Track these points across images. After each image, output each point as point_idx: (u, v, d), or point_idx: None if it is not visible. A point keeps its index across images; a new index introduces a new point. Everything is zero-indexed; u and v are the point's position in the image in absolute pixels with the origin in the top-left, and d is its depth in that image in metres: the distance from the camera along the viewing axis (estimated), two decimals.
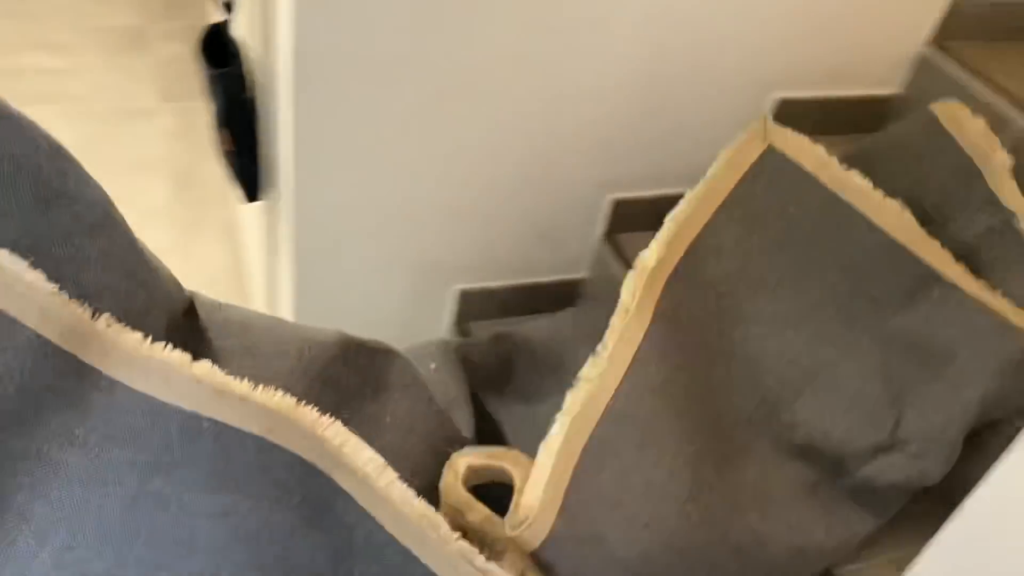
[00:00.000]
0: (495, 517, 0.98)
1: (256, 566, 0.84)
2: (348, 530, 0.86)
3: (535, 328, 1.30)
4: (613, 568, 0.97)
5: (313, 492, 0.85)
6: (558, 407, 0.99)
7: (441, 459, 1.04)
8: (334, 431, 0.85)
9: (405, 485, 0.86)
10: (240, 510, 0.84)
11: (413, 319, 1.45)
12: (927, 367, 1.06)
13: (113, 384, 0.78)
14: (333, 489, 0.85)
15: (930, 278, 1.07)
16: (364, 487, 0.85)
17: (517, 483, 0.96)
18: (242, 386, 0.83)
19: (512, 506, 0.95)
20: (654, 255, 1.03)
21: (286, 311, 1.41)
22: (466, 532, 0.93)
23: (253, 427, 0.83)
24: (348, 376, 1.00)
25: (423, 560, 0.87)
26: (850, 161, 1.19)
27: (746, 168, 1.09)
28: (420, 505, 0.86)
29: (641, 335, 1.00)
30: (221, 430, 0.82)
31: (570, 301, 1.50)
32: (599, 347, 0.99)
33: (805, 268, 1.09)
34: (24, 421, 0.74)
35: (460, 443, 1.10)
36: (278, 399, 0.84)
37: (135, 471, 0.80)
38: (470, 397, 1.20)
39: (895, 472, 1.05)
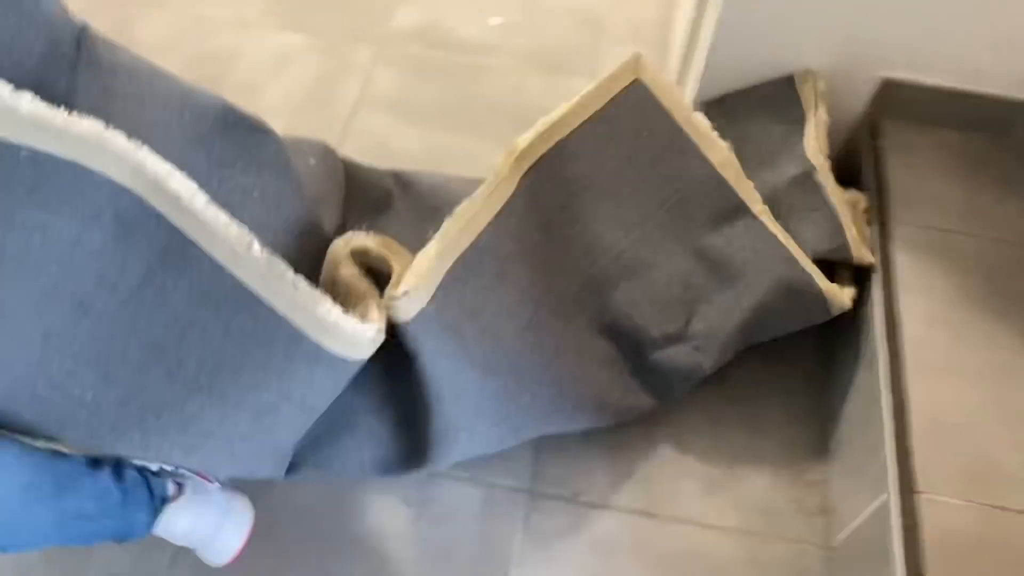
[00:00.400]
0: (366, 279, 1.16)
1: (66, 278, 0.95)
2: (162, 246, 0.96)
3: (428, 176, 1.47)
4: (461, 360, 1.17)
5: (124, 211, 0.94)
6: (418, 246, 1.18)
7: (302, 245, 1.19)
8: (152, 162, 0.93)
9: (222, 212, 0.97)
10: (52, 226, 0.92)
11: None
12: (721, 280, 1.33)
13: None
14: (145, 209, 0.94)
15: (740, 210, 1.33)
16: (180, 210, 0.95)
17: (397, 268, 1.14)
18: (59, 116, 0.90)
19: (392, 281, 1.13)
20: (526, 140, 1.24)
21: (697, 66, 1.51)
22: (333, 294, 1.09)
23: (70, 153, 0.91)
24: (223, 145, 1.09)
25: (232, 270, 0.98)
26: (713, 105, 1.48)
27: (615, 92, 1.32)
28: (236, 230, 0.98)
29: (507, 197, 1.21)
30: (39, 158, 0.90)
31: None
32: (473, 195, 1.20)
33: (644, 183, 1.33)
34: None
35: (321, 238, 1.24)
36: (92, 126, 0.91)
37: None
38: (341, 204, 1.36)
39: (679, 360, 1.32)
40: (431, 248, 1.15)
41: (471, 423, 1.23)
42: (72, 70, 0.99)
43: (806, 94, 1.42)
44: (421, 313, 1.12)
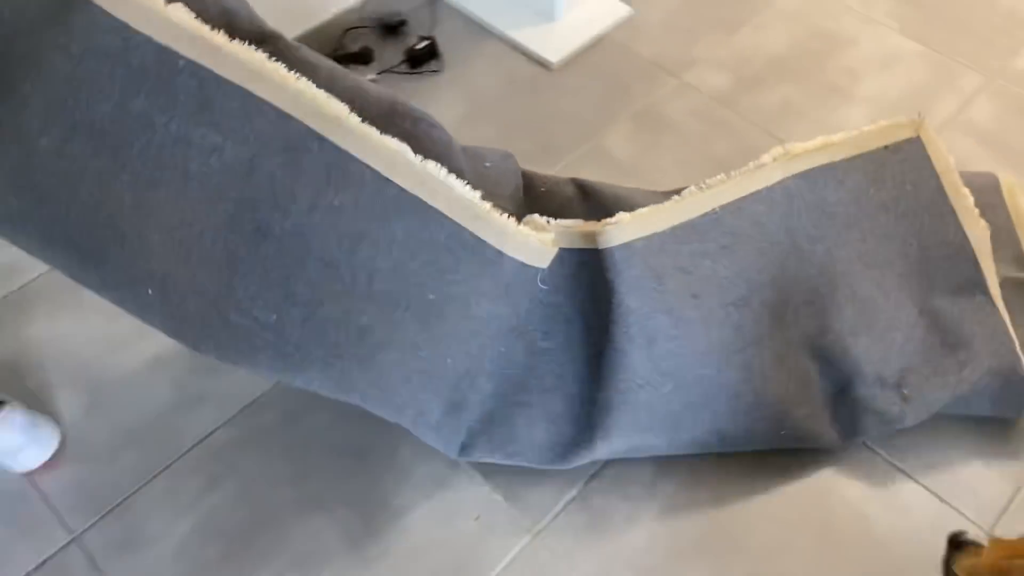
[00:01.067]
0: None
1: (246, 204, 1.00)
2: (325, 167, 1.01)
3: (613, 187, 1.40)
4: (656, 303, 1.19)
5: (290, 136, 1.00)
6: None
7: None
8: (309, 87, 1.01)
9: (374, 129, 1.03)
10: (226, 150, 0.98)
11: None
12: (944, 344, 1.30)
13: (90, 6, 0.94)
14: (309, 132, 1.00)
15: (979, 287, 1.33)
16: (340, 129, 1.01)
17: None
18: (218, 37, 0.96)
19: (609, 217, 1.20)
20: (801, 147, 1.30)
21: None
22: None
23: (233, 77, 0.97)
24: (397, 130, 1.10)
25: (392, 178, 1.03)
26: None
27: (894, 140, 1.35)
28: (391, 143, 1.03)
29: (763, 185, 1.27)
30: (201, 73, 0.96)
31: None
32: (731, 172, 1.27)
33: (895, 230, 1.35)
34: (19, 32, 0.95)
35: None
36: (252, 54, 0.98)
37: (116, 84, 0.95)
38: (519, 205, 1.32)
39: (883, 405, 1.26)
40: (666, 203, 1.23)
41: (651, 381, 1.21)
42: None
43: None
44: (626, 245, 1.18)
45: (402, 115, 1.14)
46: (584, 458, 1.23)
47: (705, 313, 1.23)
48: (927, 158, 1.34)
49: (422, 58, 1.84)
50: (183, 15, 0.97)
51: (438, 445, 1.21)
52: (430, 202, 1.06)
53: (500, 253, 1.11)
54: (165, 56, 0.96)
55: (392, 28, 1.89)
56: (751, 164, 1.28)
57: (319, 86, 1.03)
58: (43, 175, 0.97)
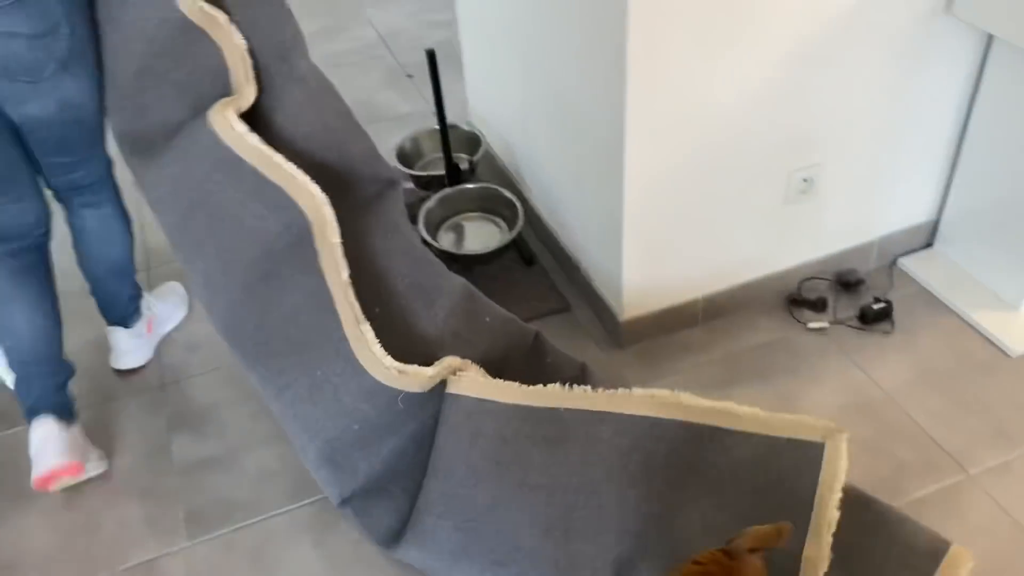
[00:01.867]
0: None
1: (254, 261, 1.46)
2: (298, 259, 1.44)
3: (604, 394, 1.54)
4: (461, 454, 1.46)
5: (296, 228, 1.42)
6: None
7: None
8: (321, 206, 1.44)
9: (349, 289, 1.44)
10: (267, 221, 1.44)
11: None
12: None
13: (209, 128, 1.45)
14: (304, 235, 1.42)
15: None
16: (324, 242, 1.42)
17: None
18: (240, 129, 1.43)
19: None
20: (690, 402, 1.44)
21: None
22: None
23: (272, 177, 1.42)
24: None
25: (331, 291, 1.45)
26: None
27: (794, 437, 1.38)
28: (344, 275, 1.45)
29: (623, 411, 1.47)
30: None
31: None
32: (589, 390, 1.50)
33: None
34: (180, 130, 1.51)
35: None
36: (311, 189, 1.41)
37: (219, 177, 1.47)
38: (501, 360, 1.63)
39: None
40: (522, 387, 1.47)
41: (441, 514, 1.43)
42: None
43: None
44: (456, 396, 1.46)
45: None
46: (405, 556, 1.46)
47: (503, 483, 1.41)
48: (820, 466, 1.31)
49: (875, 317, 1.93)
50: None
51: (324, 486, 1.53)
52: (340, 314, 1.44)
53: (364, 371, 1.44)
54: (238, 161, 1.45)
55: (849, 285, 2.01)
56: (621, 390, 1.46)
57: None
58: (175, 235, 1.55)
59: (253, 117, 1.49)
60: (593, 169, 1.82)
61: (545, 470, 1.40)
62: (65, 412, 1.70)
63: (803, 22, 1.61)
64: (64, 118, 1.57)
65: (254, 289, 1.45)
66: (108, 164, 1.77)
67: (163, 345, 2.06)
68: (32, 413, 1.67)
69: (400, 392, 1.45)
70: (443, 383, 1.49)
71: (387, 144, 2.60)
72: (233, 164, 1.41)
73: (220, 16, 1.45)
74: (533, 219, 2.25)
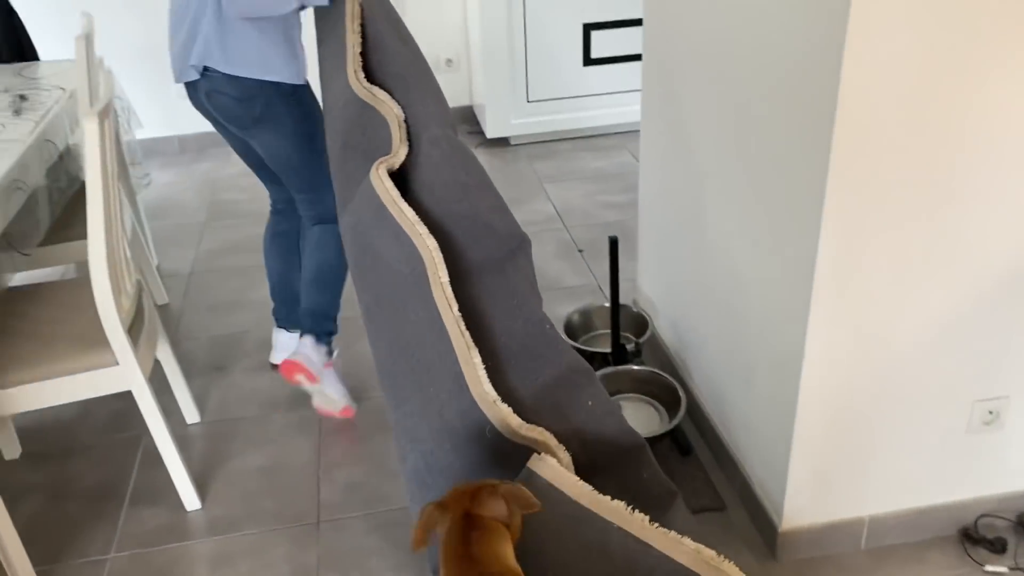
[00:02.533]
0: None
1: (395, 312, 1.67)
2: (423, 299, 1.60)
3: None
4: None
5: (416, 275, 1.60)
6: None
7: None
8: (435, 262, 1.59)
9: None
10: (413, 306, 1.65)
11: None
12: None
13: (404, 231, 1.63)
14: (421, 279, 1.59)
15: None
16: (437, 286, 1.58)
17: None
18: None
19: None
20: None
21: None
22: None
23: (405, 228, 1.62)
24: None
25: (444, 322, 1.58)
26: None
27: None
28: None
29: None
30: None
31: None
32: None
33: None
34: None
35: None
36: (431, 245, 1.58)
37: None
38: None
39: None
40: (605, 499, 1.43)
41: None
42: None
43: None
44: (540, 479, 1.44)
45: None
46: None
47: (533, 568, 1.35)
48: None
49: None
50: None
51: (409, 501, 1.65)
52: (453, 340, 1.56)
53: (467, 389, 1.53)
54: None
55: None
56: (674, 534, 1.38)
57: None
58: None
59: (403, 172, 1.77)
60: (765, 376, 1.82)
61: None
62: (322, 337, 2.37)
63: (1013, 257, 1.60)
64: (270, 157, 2.22)
65: (389, 317, 1.71)
66: (326, 208, 2.27)
67: (323, 482, 2.15)
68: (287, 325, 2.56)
69: (489, 423, 1.52)
70: (528, 452, 1.48)
71: (554, 313, 2.70)
72: (381, 212, 1.66)
73: (381, 93, 1.81)
74: (694, 408, 2.25)
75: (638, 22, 4.03)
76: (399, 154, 1.74)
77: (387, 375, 1.71)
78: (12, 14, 3.04)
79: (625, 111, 4.15)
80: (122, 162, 2.81)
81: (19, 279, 2.71)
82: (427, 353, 1.62)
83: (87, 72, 2.18)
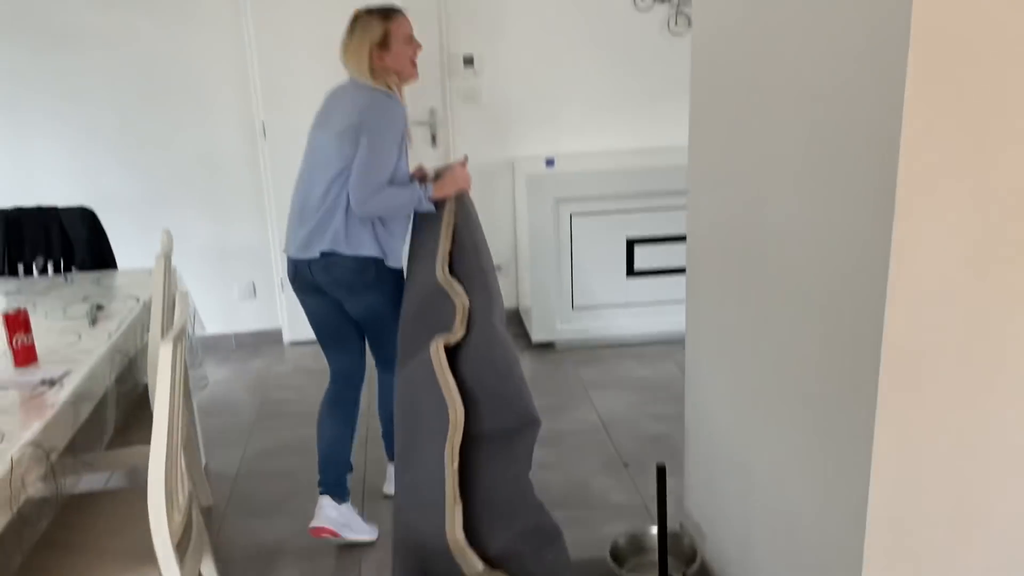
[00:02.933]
0: None
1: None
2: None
3: None
4: None
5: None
6: None
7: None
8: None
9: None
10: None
11: None
12: None
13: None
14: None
15: None
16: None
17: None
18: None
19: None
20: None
21: None
22: None
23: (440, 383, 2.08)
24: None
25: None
26: None
27: None
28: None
29: None
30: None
31: None
32: None
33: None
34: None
35: None
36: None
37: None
38: None
39: None
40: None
41: None
42: None
43: None
44: None
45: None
46: None
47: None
48: None
49: None
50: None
51: None
52: (447, 484, 2.03)
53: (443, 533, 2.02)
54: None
55: None
56: None
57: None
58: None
59: (456, 347, 2.22)
60: None
61: None
62: (339, 495, 2.75)
63: None
64: (367, 317, 2.71)
65: (413, 453, 2.18)
66: (393, 356, 2.69)
67: None
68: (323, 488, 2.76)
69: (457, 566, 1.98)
70: None
71: (599, 533, 2.65)
72: (431, 375, 2.12)
73: (457, 286, 2.34)
74: None
75: (680, 238, 4.20)
76: (457, 334, 2.22)
77: (402, 488, 2.23)
78: (96, 224, 3.28)
79: (669, 321, 4.25)
80: (185, 372, 2.93)
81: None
82: (430, 489, 2.08)
83: (163, 291, 2.32)
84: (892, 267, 1.43)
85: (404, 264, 2.70)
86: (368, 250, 2.59)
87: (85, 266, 3.24)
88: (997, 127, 1.40)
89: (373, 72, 2.60)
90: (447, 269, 2.39)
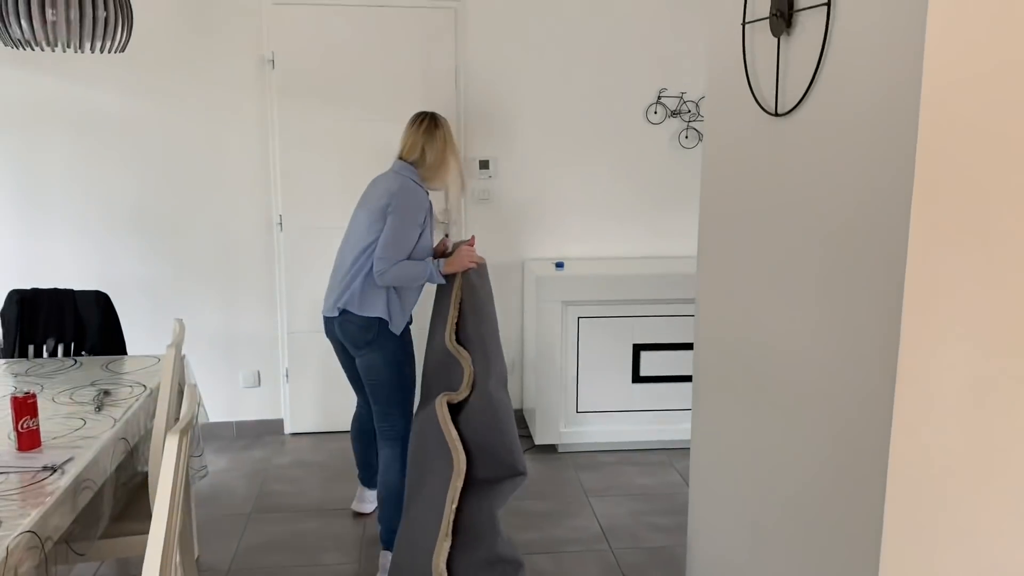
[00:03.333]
0: None
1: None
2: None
3: None
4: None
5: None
6: None
7: None
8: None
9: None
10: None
11: None
12: None
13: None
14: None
15: None
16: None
17: None
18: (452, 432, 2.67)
19: None
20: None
21: None
22: None
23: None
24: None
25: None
26: None
27: None
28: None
29: None
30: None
31: None
32: None
33: None
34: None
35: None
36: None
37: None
38: None
39: None
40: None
41: None
42: None
43: None
44: None
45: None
46: None
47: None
48: None
49: None
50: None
51: None
52: (441, 523, 2.59)
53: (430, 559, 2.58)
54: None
55: None
56: None
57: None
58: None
59: (462, 404, 2.75)
60: None
61: None
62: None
63: None
64: (366, 372, 3.10)
65: (420, 488, 2.70)
66: (399, 432, 3.12)
67: None
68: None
69: None
70: None
71: None
72: (436, 427, 2.66)
73: (464, 352, 2.84)
74: None
75: (687, 346, 4.22)
76: (462, 394, 2.76)
77: (407, 519, 2.71)
78: (110, 308, 3.32)
79: (671, 429, 4.24)
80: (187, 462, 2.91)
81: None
82: (431, 511, 2.60)
83: (171, 381, 2.34)
84: (897, 391, 1.45)
85: (403, 328, 3.12)
86: (376, 312, 3.01)
87: (96, 350, 3.27)
88: (997, 271, 1.43)
89: (426, 166, 3.11)
90: (453, 336, 2.88)
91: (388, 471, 3.13)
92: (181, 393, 3.09)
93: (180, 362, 2.55)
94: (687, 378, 4.27)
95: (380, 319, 3.03)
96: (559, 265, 4.36)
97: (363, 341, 3.05)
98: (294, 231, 4.38)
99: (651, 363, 4.25)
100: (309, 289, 4.41)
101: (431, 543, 2.53)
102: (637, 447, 4.32)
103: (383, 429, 3.14)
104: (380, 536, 3.15)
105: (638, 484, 3.95)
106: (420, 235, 3.02)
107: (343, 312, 3.06)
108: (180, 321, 2.79)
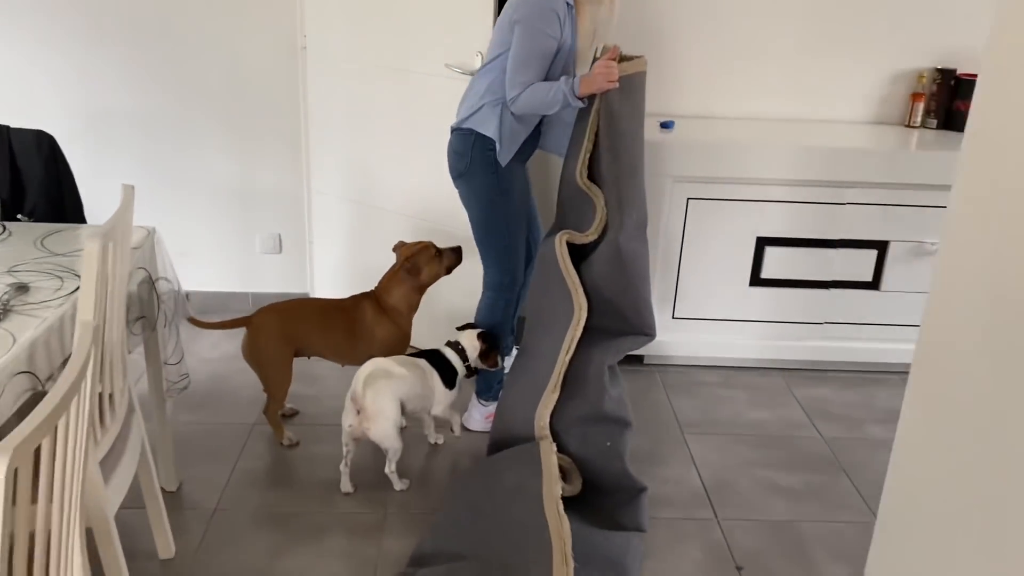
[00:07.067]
0: None
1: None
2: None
3: None
4: None
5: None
6: None
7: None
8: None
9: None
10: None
11: None
12: None
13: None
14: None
15: None
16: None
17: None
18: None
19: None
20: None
21: None
22: None
23: None
24: None
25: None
26: None
27: None
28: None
29: None
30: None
31: None
32: None
33: None
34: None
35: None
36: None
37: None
38: None
39: None
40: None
41: None
42: None
43: None
44: None
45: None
46: None
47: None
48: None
49: None
50: None
51: None
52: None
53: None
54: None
55: None
56: None
57: None
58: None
59: (587, 247, 2.50)
60: None
61: None
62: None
63: None
64: (467, 209, 2.74)
65: (540, 323, 2.59)
66: (497, 278, 2.76)
67: None
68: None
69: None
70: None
71: None
72: (555, 265, 2.45)
73: (595, 188, 2.49)
74: None
75: (824, 243, 3.22)
76: (589, 237, 2.47)
77: (527, 344, 2.58)
78: (55, 155, 2.42)
79: (792, 346, 3.36)
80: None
81: None
82: (544, 360, 2.41)
83: (93, 284, 1.46)
84: None
85: (508, 162, 2.62)
86: (486, 130, 2.57)
87: (39, 214, 2.40)
88: None
89: None
90: (585, 172, 2.50)
91: (490, 313, 2.83)
92: (152, 287, 2.23)
93: (151, 244, 1.67)
94: (819, 284, 3.29)
95: (476, 144, 2.59)
96: (666, 125, 3.31)
97: (455, 171, 2.69)
98: (321, 59, 3.37)
99: (777, 262, 3.27)
100: (340, 142, 3.44)
101: (537, 395, 2.37)
102: (745, 364, 3.42)
103: (486, 273, 2.82)
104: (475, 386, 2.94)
105: (749, 420, 3.07)
106: (557, 51, 2.45)
107: (454, 130, 2.67)
108: (130, 188, 1.90)
